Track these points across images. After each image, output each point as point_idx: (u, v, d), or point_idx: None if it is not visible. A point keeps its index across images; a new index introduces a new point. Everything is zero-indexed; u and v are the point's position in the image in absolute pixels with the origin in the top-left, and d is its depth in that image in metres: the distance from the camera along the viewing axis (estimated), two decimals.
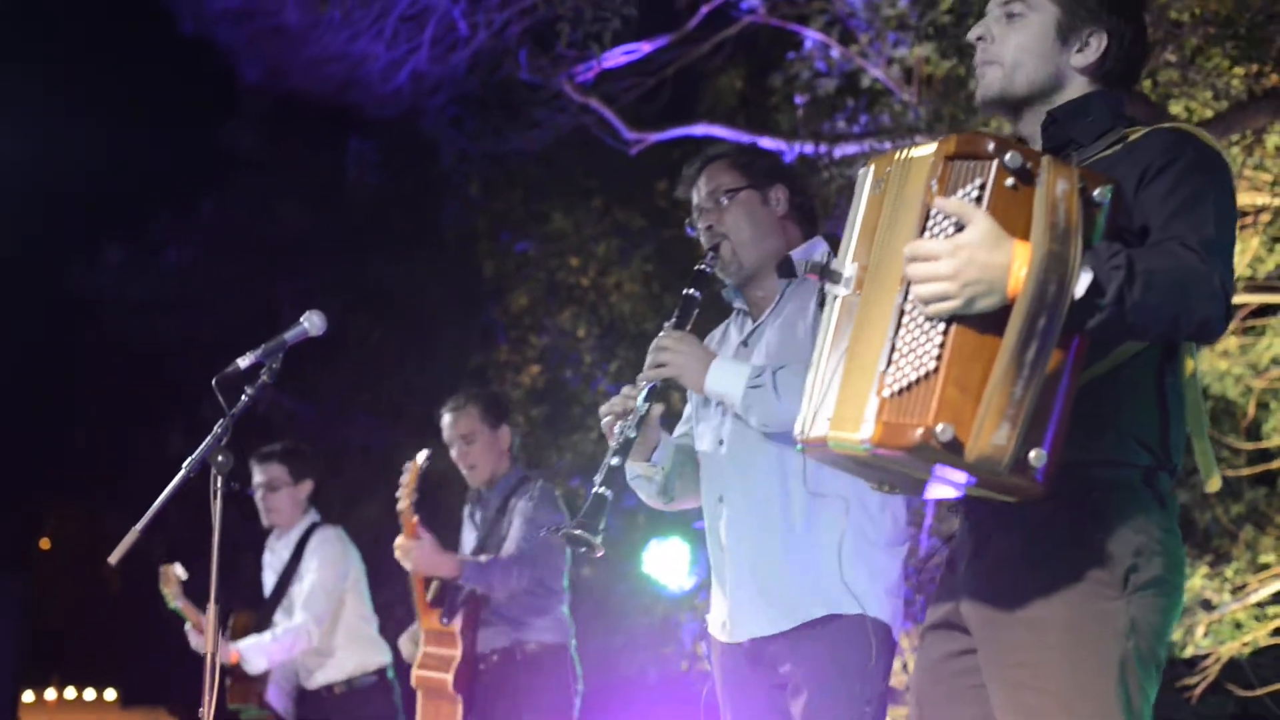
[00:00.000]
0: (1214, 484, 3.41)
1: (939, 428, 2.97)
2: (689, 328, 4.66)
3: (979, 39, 3.54)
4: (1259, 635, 12.66)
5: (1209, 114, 9.85)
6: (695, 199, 4.91)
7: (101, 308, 20.54)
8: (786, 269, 4.62)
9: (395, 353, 18.51)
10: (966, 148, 3.08)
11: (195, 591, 7.48)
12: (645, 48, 15.34)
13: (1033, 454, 3.01)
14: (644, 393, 4.54)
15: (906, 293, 3.06)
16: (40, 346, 21.53)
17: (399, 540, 6.60)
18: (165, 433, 18.23)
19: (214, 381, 4.53)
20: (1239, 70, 9.47)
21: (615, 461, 4.45)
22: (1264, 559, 12.80)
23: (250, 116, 19.62)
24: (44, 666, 23.81)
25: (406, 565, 6.66)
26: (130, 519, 4.44)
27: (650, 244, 16.63)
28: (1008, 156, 3.01)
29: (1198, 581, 12.54)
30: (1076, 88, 3.50)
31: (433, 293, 18.53)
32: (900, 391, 3.04)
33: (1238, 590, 12.60)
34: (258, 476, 8.07)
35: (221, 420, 4.53)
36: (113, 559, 4.45)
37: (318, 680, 7.89)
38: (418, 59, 15.06)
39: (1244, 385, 13.08)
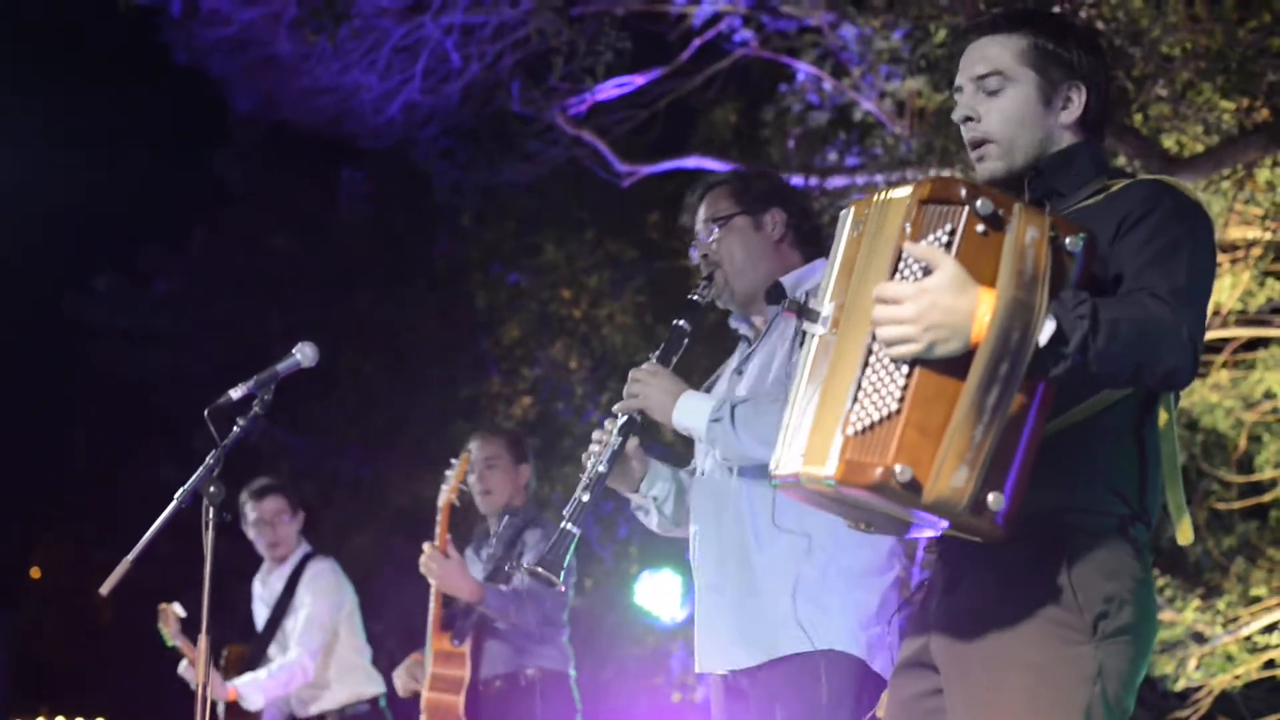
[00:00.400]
0: (1185, 535, 3.38)
1: (898, 468, 2.99)
2: (676, 358, 4.65)
3: (966, 120, 3.52)
4: (1251, 668, 12.66)
5: (1200, 148, 9.87)
6: (696, 226, 4.88)
7: (92, 337, 20.52)
8: (775, 295, 4.63)
9: (386, 384, 18.50)
10: (940, 192, 3.08)
11: (193, 630, 7.45)
12: (638, 80, 15.38)
13: (991, 497, 3.02)
14: (619, 426, 4.53)
15: (875, 333, 3.06)
16: (30, 375, 21.50)
17: (428, 551, 6.51)
18: (156, 463, 18.19)
19: (206, 413, 4.52)
20: (1230, 105, 9.49)
21: (585, 498, 4.46)
22: (1255, 592, 12.80)
23: (242, 147, 19.63)
24: (33, 696, 23.70)
25: (431, 580, 6.58)
26: (121, 549, 4.43)
27: (642, 276, 16.64)
28: (979, 203, 3.02)
29: (1189, 614, 12.54)
30: (1065, 142, 3.49)
31: (424, 324, 18.53)
32: (863, 430, 3.06)
33: (1229, 623, 12.60)
34: (254, 513, 8.05)
35: (214, 451, 4.52)
36: (104, 589, 4.43)
37: (311, 711, 7.89)
38: (410, 90, 15.09)
39: (1235, 418, 13.09)
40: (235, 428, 4.60)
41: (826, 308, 3.35)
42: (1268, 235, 10.87)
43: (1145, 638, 3.29)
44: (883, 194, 3.30)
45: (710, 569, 4.58)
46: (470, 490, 7.01)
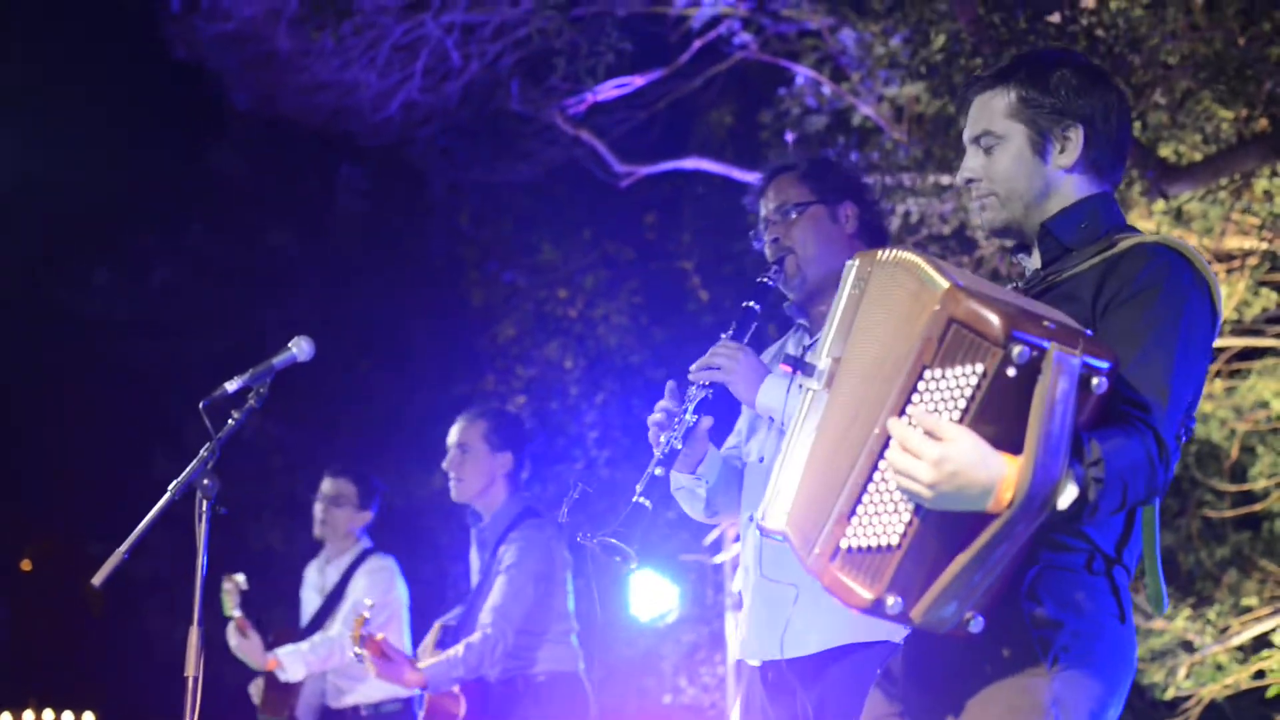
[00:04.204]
0: (1157, 604, 3.37)
1: (890, 600, 3.00)
2: (746, 340, 4.61)
3: (968, 181, 3.58)
4: (1240, 678, 12.66)
5: (1198, 157, 9.87)
6: (763, 211, 4.86)
7: (87, 328, 20.49)
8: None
9: (381, 381, 18.50)
10: (975, 322, 2.93)
11: (249, 603, 7.52)
12: (637, 81, 15.39)
13: (972, 623, 3.04)
14: (694, 404, 4.50)
15: (888, 444, 3.01)
16: (22, 365, 21.46)
17: (368, 661, 6.35)
18: (149, 456, 18.18)
19: (201, 405, 4.50)
20: (1228, 114, 9.49)
21: (659, 472, 4.42)
22: (1246, 601, 12.81)
23: (240, 143, 19.61)
24: (22, 688, 23.69)
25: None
26: (114, 541, 4.42)
27: (638, 277, 16.67)
28: (1016, 352, 2.88)
29: (1180, 623, 12.55)
30: (1069, 187, 3.50)
31: (420, 322, 18.53)
32: (859, 550, 3.05)
33: (1220, 633, 12.61)
34: (327, 487, 8.14)
35: (208, 444, 4.49)
36: (97, 580, 4.42)
37: (345, 702, 7.89)
38: (410, 88, 15.08)
39: (1229, 428, 13.10)
40: (230, 420, 4.58)
41: (823, 362, 3.40)
42: (1264, 245, 10.87)
43: (1112, 673, 3.27)
44: (890, 254, 3.32)
45: (776, 557, 4.53)
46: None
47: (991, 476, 2.89)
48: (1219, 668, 12.67)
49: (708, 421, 4.58)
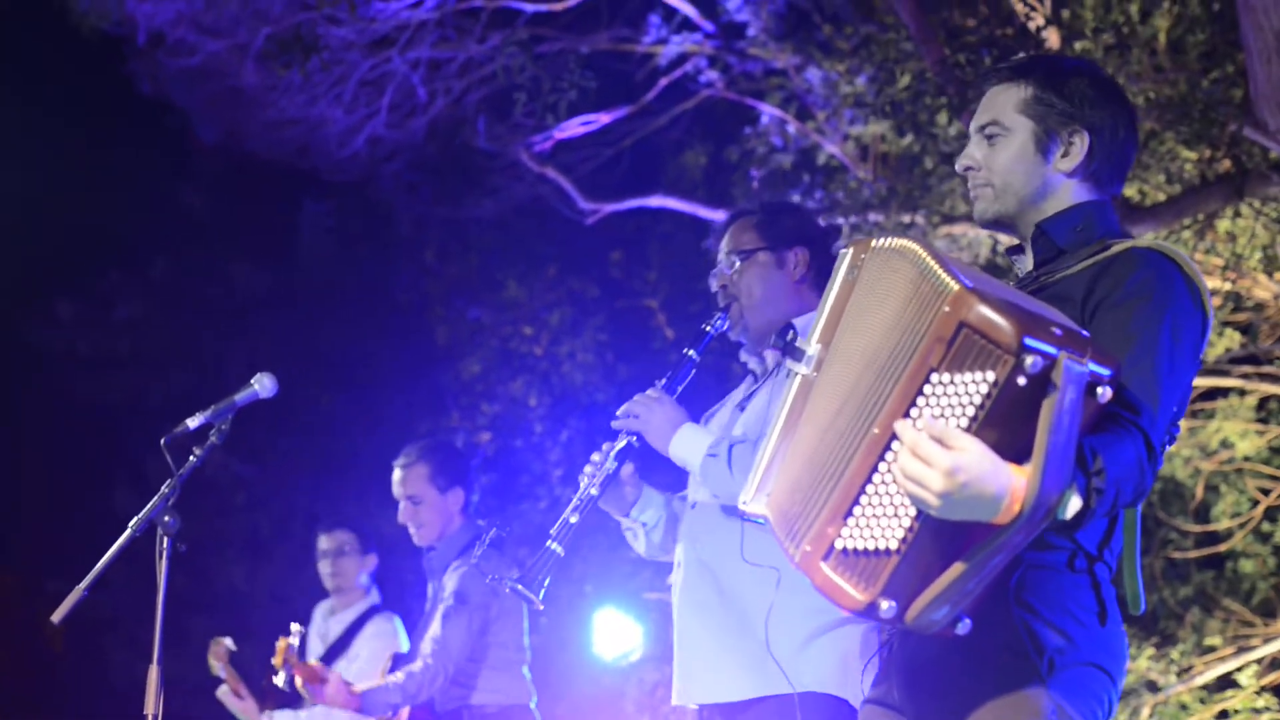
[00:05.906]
0: (1134, 603, 3.38)
1: (884, 604, 2.97)
2: (682, 388, 4.61)
3: (967, 169, 3.60)
4: (1204, 718, 12.66)
5: (1161, 197, 9.91)
6: (719, 255, 4.85)
7: (48, 364, 20.39)
8: (781, 336, 4.56)
9: (345, 417, 18.43)
10: (987, 328, 2.87)
11: (239, 660, 7.48)
12: (603, 119, 15.40)
13: (960, 625, 3.02)
14: (615, 450, 4.49)
15: (889, 445, 2.97)
16: None
17: (301, 686, 6.33)
18: (110, 491, 18.09)
19: (163, 442, 4.48)
20: (1192, 154, 9.53)
21: (574, 519, 4.41)
22: (1210, 641, 12.82)
23: (205, 178, 19.57)
24: None
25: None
26: (73, 578, 4.39)
27: (604, 314, 16.64)
28: (1029, 362, 2.83)
29: (1143, 663, 12.55)
30: (1066, 192, 3.53)
31: (384, 358, 18.48)
32: (855, 551, 3.02)
33: (1183, 672, 12.61)
34: (325, 544, 8.14)
35: (169, 480, 4.47)
36: (57, 617, 4.39)
37: None
38: (375, 124, 15.07)
39: (1193, 468, 13.12)
40: (192, 457, 4.56)
41: (813, 348, 3.39)
42: (1227, 285, 10.91)
43: (1106, 672, 3.28)
44: (886, 242, 3.31)
45: (693, 599, 4.55)
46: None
47: (1001, 488, 2.86)
48: (1183, 707, 12.67)
49: (628, 469, 4.59)
